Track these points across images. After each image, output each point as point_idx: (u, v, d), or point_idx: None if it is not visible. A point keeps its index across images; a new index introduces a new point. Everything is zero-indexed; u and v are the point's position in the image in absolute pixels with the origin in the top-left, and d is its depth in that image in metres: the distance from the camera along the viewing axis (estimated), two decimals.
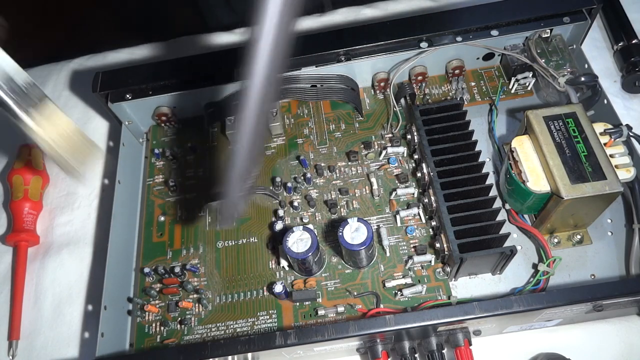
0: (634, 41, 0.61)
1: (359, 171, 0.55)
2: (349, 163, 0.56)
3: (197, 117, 0.61)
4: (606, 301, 0.41)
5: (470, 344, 0.44)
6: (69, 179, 0.63)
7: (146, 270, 0.51)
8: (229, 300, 0.50)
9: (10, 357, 0.52)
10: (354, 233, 0.45)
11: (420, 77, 0.58)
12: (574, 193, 0.42)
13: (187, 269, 0.51)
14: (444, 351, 0.45)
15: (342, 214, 0.53)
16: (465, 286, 0.48)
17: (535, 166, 0.45)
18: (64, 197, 0.62)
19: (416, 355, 0.45)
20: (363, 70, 0.58)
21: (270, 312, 0.49)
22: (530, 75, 0.56)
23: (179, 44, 0.73)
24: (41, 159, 0.63)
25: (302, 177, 0.55)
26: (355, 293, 0.48)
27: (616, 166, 0.44)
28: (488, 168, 0.53)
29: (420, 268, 0.49)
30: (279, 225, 0.51)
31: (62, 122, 0.39)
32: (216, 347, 0.42)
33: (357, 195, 0.54)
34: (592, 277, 0.48)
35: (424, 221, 0.51)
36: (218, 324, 0.49)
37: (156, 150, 0.58)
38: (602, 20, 0.65)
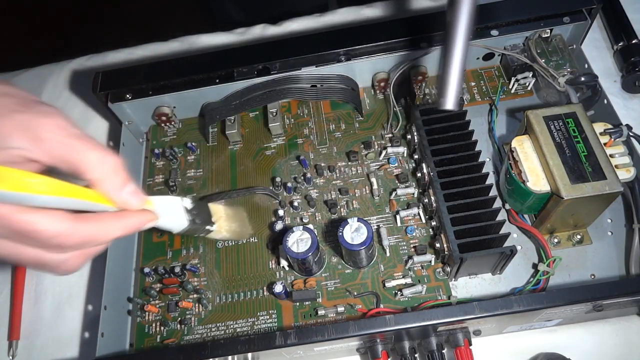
0: (634, 41, 0.61)
1: (359, 171, 0.55)
2: (349, 163, 0.56)
3: (197, 117, 0.61)
4: (606, 301, 0.41)
5: (470, 344, 0.44)
6: None
7: (146, 270, 0.51)
8: (229, 300, 0.50)
9: (10, 357, 0.52)
10: (354, 233, 0.45)
11: (420, 77, 0.58)
12: (574, 193, 0.42)
13: (187, 269, 0.51)
14: (444, 351, 0.45)
15: (342, 214, 0.53)
16: (465, 286, 0.48)
17: (535, 166, 0.45)
18: None
19: (416, 355, 0.45)
20: (363, 70, 0.58)
21: (270, 312, 0.49)
22: (530, 75, 0.56)
23: (179, 44, 0.73)
24: None
25: (302, 177, 0.55)
26: (355, 293, 0.48)
27: (616, 166, 0.44)
28: (488, 168, 0.53)
29: (420, 268, 0.49)
30: (279, 225, 0.51)
31: (219, 210, 0.47)
32: (216, 347, 0.42)
33: (357, 195, 0.54)
34: (592, 277, 0.48)
35: (424, 221, 0.51)
36: (218, 324, 0.49)
37: (156, 150, 0.58)
38: (602, 20, 0.65)
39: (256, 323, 0.49)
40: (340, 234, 0.45)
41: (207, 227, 0.44)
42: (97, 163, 0.33)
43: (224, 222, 0.47)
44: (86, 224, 0.32)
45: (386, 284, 0.48)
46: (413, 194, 0.52)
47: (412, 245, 0.50)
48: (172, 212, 0.41)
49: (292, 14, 0.72)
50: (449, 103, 0.41)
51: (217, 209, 0.47)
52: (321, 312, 0.48)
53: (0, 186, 0.29)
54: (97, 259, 0.56)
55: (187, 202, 0.43)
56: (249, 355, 0.43)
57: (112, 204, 0.35)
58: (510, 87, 0.58)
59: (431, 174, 0.48)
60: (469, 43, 0.41)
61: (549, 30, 0.56)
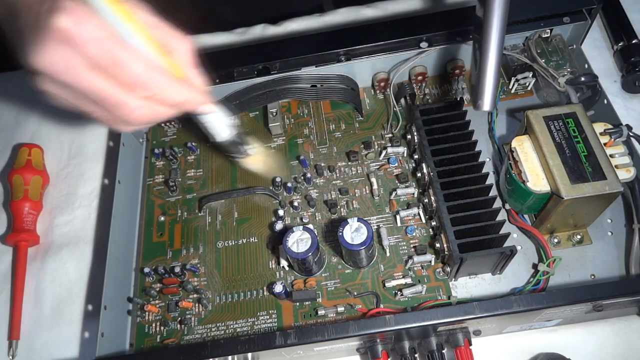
0: (634, 41, 0.61)
1: (359, 171, 0.55)
2: (349, 163, 0.56)
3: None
4: (606, 301, 0.41)
5: (470, 344, 0.44)
6: (69, 178, 0.63)
7: (146, 270, 0.51)
8: (229, 300, 0.50)
9: (10, 357, 0.52)
10: (354, 233, 0.45)
11: (420, 77, 0.58)
12: (574, 193, 0.42)
13: (187, 269, 0.51)
14: (444, 351, 0.45)
15: (342, 214, 0.53)
16: (465, 286, 0.48)
17: (535, 166, 0.45)
18: (64, 197, 0.62)
19: (416, 355, 0.45)
20: (363, 70, 0.58)
21: (270, 312, 0.49)
22: (530, 75, 0.56)
23: None
24: (41, 158, 0.63)
25: (302, 177, 0.55)
26: (355, 293, 0.48)
27: (616, 166, 0.44)
28: (488, 168, 0.53)
29: (420, 268, 0.49)
30: (279, 225, 0.51)
31: (256, 143, 0.53)
32: (216, 347, 0.42)
33: (357, 195, 0.54)
34: (592, 277, 0.48)
35: (424, 221, 0.51)
36: (218, 324, 0.49)
37: (156, 150, 0.58)
38: (602, 20, 0.65)
39: (256, 323, 0.49)
40: (340, 234, 0.45)
41: (246, 147, 0.49)
42: (179, 42, 0.39)
43: (260, 152, 0.51)
44: (163, 78, 0.37)
45: (386, 284, 0.48)
46: (413, 194, 0.52)
47: (412, 245, 0.50)
48: (220, 117, 0.45)
49: (287, 16, 0.72)
50: (486, 105, 0.43)
51: (254, 142, 0.51)
52: (321, 312, 0.48)
53: (117, 12, 0.34)
54: (97, 259, 0.57)
55: (233, 121, 0.47)
56: (249, 355, 0.43)
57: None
58: (510, 87, 0.58)
59: (431, 174, 0.48)
60: (503, 44, 0.42)
61: (549, 30, 0.56)
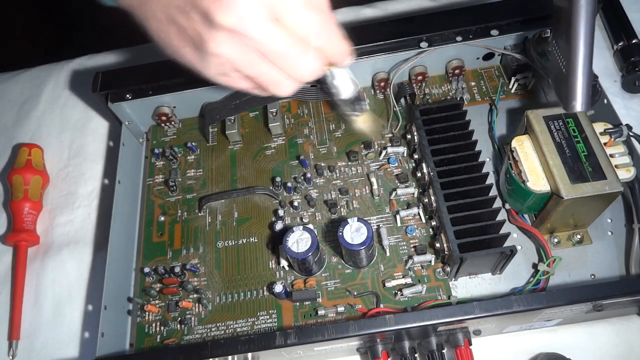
0: (634, 41, 0.61)
1: (359, 171, 0.55)
2: (349, 163, 0.56)
3: (197, 117, 0.61)
4: (606, 301, 0.41)
5: (470, 344, 0.44)
6: (69, 178, 0.63)
7: (146, 270, 0.51)
8: (229, 300, 0.50)
9: (10, 357, 0.52)
10: (354, 233, 0.45)
11: (420, 77, 0.58)
12: (574, 193, 0.42)
13: (187, 269, 0.51)
14: (444, 351, 0.45)
15: (342, 214, 0.53)
16: (465, 286, 0.48)
17: (535, 166, 0.45)
18: (64, 197, 0.62)
19: (416, 355, 0.45)
20: (363, 70, 0.58)
21: (270, 312, 0.49)
22: (530, 75, 0.56)
23: None
24: (41, 158, 0.63)
25: (302, 177, 0.55)
26: (355, 293, 0.48)
27: (616, 166, 0.44)
28: (488, 168, 0.53)
29: (420, 268, 0.49)
30: (279, 225, 0.51)
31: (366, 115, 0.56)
32: (216, 347, 0.42)
33: (357, 195, 0.54)
34: (592, 277, 0.48)
35: (424, 221, 0.51)
36: (218, 324, 0.49)
37: (156, 150, 0.58)
38: (602, 20, 0.65)
39: (256, 323, 0.49)
40: (340, 234, 0.45)
41: (363, 103, 0.49)
42: None
43: (369, 111, 0.52)
44: (333, 26, 0.38)
45: (386, 284, 0.48)
46: (413, 194, 0.52)
47: (412, 245, 0.50)
48: (349, 73, 0.45)
49: None
50: (581, 105, 0.42)
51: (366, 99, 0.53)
52: (321, 312, 0.48)
53: None
54: (97, 259, 0.57)
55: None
56: (249, 355, 0.43)
57: None
58: (510, 87, 0.58)
59: (431, 173, 0.48)
60: (593, 40, 0.41)
61: (549, 30, 0.56)
